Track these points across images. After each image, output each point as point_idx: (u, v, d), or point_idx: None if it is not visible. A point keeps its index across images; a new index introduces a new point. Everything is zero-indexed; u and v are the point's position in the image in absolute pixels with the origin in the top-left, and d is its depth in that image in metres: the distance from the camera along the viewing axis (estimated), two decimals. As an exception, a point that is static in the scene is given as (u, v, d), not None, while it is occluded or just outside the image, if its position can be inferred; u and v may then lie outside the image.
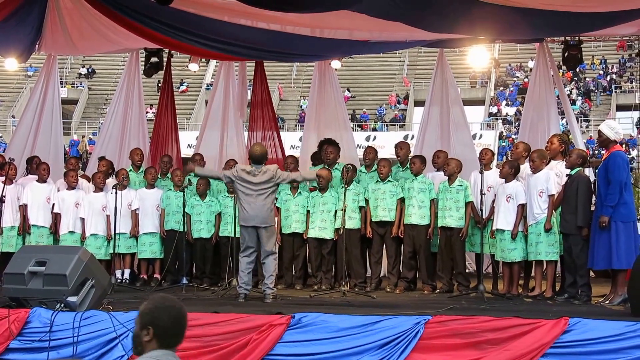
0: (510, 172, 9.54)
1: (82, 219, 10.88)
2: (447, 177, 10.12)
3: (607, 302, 8.46)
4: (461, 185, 10.01)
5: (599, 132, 8.87)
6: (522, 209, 9.36)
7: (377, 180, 10.48)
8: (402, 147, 11.13)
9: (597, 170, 8.84)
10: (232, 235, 9.96)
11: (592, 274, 9.58)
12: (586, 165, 9.36)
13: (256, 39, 11.96)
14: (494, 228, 9.59)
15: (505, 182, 9.55)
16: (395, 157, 11.21)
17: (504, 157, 20.13)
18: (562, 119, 14.95)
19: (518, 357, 6.44)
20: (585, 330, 6.47)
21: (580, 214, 8.79)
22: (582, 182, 8.90)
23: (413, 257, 10.32)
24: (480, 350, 6.58)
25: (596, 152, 28.31)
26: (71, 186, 11.05)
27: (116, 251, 10.57)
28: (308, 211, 10.62)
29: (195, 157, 11.88)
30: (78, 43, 12.67)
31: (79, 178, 11.42)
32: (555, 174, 9.37)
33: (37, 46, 12.54)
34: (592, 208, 8.86)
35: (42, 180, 11.09)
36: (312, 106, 14.43)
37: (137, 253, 11.06)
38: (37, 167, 11.35)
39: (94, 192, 11.08)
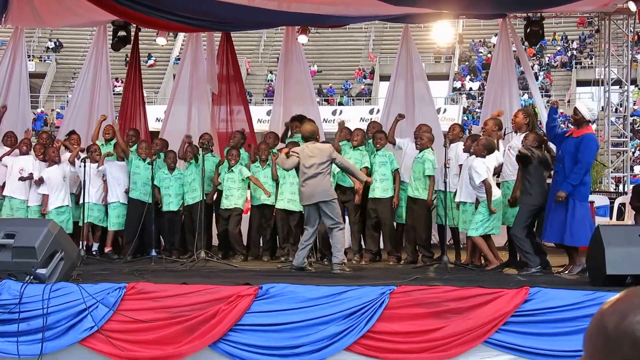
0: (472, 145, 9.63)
1: (45, 195, 10.74)
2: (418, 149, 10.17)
3: (567, 272, 8.65)
4: (424, 157, 10.05)
5: (575, 109, 8.83)
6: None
7: (351, 148, 10.49)
8: (374, 126, 11.25)
9: (561, 146, 8.90)
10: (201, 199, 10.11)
11: (552, 244, 9.78)
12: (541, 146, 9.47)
13: (222, 13, 11.96)
14: (457, 200, 9.75)
15: (471, 156, 9.66)
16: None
17: (467, 130, 20.32)
18: (524, 94, 15.13)
19: (480, 325, 6.56)
20: (545, 299, 6.60)
21: (535, 194, 8.92)
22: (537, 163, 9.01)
23: (377, 229, 10.44)
24: (444, 319, 6.69)
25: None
26: (53, 161, 10.80)
27: (86, 220, 10.53)
28: (277, 182, 10.63)
29: (204, 136, 11.44)
30: (44, 16, 12.56)
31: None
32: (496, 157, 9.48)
33: (2, 19, 12.38)
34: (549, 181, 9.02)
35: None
36: (280, 80, 14.48)
37: (108, 226, 10.98)
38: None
39: (47, 167, 10.84)
